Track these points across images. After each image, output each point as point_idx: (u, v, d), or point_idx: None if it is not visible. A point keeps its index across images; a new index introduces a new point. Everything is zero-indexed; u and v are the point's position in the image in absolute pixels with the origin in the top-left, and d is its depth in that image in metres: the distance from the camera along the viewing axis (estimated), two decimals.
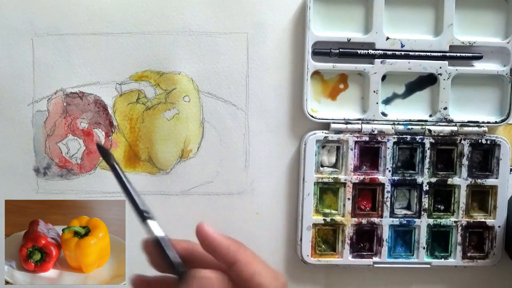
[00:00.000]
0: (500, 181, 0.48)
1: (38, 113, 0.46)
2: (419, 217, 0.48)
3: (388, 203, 0.48)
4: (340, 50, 0.46)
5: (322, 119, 0.47)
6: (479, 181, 0.48)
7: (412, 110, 0.48)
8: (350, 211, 0.48)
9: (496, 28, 0.47)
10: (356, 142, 0.47)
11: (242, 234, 0.48)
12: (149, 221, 0.34)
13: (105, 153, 0.37)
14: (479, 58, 0.47)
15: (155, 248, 0.33)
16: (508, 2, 0.47)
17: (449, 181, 0.48)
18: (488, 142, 0.48)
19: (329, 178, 0.47)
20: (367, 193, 0.49)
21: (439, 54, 0.47)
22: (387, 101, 0.48)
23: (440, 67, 0.47)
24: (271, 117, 0.48)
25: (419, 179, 0.48)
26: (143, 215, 0.34)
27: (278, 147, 0.48)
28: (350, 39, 0.46)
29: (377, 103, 0.47)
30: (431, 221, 0.48)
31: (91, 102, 0.47)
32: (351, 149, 0.47)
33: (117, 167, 0.35)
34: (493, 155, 0.48)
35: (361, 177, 0.47)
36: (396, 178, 0.48)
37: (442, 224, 0.48)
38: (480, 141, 0.48)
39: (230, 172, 0.48)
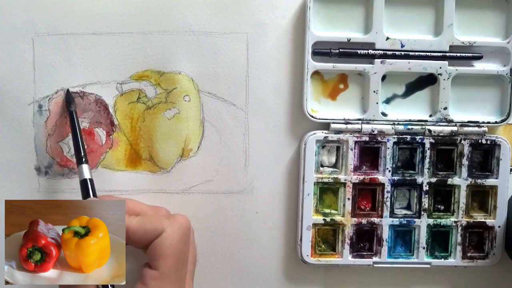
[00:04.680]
0: (500, 181, 0.48)
1: (39, 112, 0.46)
2: (419, 217, 0.48)
3: (388, 203, 0.48)
4: (340, 50, 0.46)
5: (322, 119, 0.47)
6: (479, 181, 0.48)
7: (412, 110, 0.48)
8: (350, 211, 0.48)
9: (496, 28, 0.47)
10: (356, 142, 0.47)
11: (241, 233, 0.49)
12: (83, 165, 0.43)
13: (70, 100, 0.46)
14: (479, 58, 0.47)
15: (81, 187, 0.43)
16: (508, 2, 0.47)
17: (449, 181, 0.48)
18: (488, 142, 0.48)
19: (329, 178, 0.47)
20: (367, 193, 0.49)
21: (439, 54, 0.47)
22: (387, 101, 0.48)
23: (440, 67, 0.47)
24: (271, 117, 0.48)
25: (419, 179, 0.48)
26: (81, 160, 0.43)
27: (278, 147, 0.48)
28: (350, 39, 0.46)
29: (377, 103, 0.47)
30: (431, 221, 0.48)
31: (92, 102, 0.47)
32: (351, 149, 0.47)
33: (74, 114, 0.45)
34: (493, 155, 0.48)
35: (361, 177, 0.47)
36: (396, 178, 0.48)
37: (442, 224, 0.48)
38: (480, 141, 0.48)
39: (230, 171, 0.48)
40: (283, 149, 0.48)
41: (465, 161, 0.48)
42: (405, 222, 0.48)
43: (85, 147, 0.45)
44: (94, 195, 0.43)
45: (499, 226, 0.48)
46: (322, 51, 0.46)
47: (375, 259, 0.48)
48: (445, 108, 0.47)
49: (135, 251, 0.45)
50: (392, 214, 0.48)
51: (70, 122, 0.45)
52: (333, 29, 0.47)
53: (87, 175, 0.43)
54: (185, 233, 0.42)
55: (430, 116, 0.48)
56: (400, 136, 0.47)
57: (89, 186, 0.43)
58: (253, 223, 0.49)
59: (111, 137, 0.47)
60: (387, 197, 0.48)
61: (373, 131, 0.47)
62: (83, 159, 0.44)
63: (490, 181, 0.48)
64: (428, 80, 0.48)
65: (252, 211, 0.48)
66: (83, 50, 0.46)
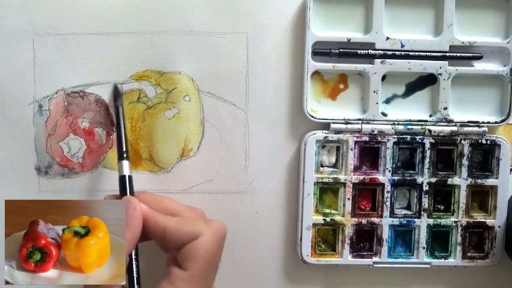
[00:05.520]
0: (500, 181, 0.48)
1: (39, 112, 0.46)
2: (419, 217, 0.48)
3: (388, 203, 0.48)
4: (340, 50, 0.46)
5: (322, 119, 0.47)
6: (479, 181, 0.48)
7: (412, 110, 0.48)
8: (350, 211, 0.48)
9: (496, 28, 0.47)
10: (356, 142, 0.47)
11: (241, 233, 0.49)
12: (124, 161, 0.43)
13: (117, 95, 0.46)
14: (479, 58, 0.47)
15: (119, 183, 0.42)
16: (508, 2, 0.47)
17: (449, 181, 0.48)
18: (488, 142, 0.48)
19: (329, 178, 0.47)
20: (367, 193, 0.49)
21: (439, 54, 0.47)
22: (387, 101, 0.48)
23: (440, 67, 0.47)
24: (271, 117, 0.48)
25: (419, 179, 0.48)
26: (122, 156, 0.43)
27: (278, 147, 0.48)
28: (350, 39, 0.46)
29: (377, 103, 0.47)
30: (431, 221, 0.48)
31: (92, 102, 0.47)
32: (351, 149, 0.47)
33: (121, 110, 0.45)
34: (493, 155, 0.48)
35: (361, 177, 0.47)
36: (396, 178, 0.48)
37: (442, 224, 0.48)
38: (480, 141, 0.48)
39: (230, 171, 0.48)
40: (283, 149, 0.48)
41: (465, 161, 0.48)
42: (405, 222, 0.48)
43: (128, 144, 0.44)
44: (132, 193, 0.43)
45: (499, 226, 0.48)
46: (322, 51, 0.46)
47: (375, 259, 0.48)
48: (445, 108, 0.47)
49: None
50: (392, 214, 0.48)
51: (116, 117, 0.45)
52: (333, 29, 0.47)
53: (126, 172, 0.43)
54: (221, 240, 0.41)
55: (430, 116, 0.48)
56: (400, 136, 0.47)
57: (127, 183, 0.43)
58: (253, 223, 0.49)
59: (111, 137, 0.47)
60: (387, 197, 0.48)
61: (373, 131, 0.47)
62: (125, 155, 0.43)
63: (490, 181, 0.48)
64: (428, 80, 0.48)
65: (252, 211, 0.48)
66: (83, 50, 0.46)
